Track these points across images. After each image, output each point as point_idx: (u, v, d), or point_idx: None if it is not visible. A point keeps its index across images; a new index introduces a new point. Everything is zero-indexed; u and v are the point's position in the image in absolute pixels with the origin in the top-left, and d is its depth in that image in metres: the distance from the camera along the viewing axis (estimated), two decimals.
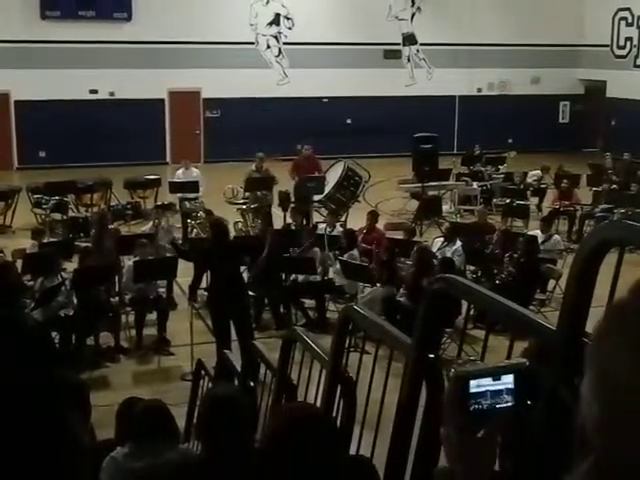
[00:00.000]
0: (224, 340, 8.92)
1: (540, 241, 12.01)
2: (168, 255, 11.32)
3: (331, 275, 11.45)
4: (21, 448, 1.04)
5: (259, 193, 14.93)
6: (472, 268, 11.82)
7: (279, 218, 14.53)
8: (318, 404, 3.62)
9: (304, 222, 13.91)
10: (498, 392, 1.38)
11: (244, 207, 14.94)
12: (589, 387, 1.09)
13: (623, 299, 1.10)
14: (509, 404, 1.39)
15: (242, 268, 9.99)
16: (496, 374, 1.38)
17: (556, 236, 12.90)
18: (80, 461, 1.14)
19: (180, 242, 12.64)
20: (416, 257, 10.32)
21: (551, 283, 11.26)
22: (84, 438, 1.23)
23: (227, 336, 9.03)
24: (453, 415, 1.35)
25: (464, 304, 2.94)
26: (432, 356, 2.85)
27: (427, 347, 2.85)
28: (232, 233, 11.93)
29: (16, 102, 22.06)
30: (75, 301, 9.75)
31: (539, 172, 18.28)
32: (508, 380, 1.39)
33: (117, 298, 10.48)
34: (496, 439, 1.42)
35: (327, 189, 15.34)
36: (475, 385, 1.35)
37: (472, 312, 2.96)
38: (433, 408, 2.77)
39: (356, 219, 14.09)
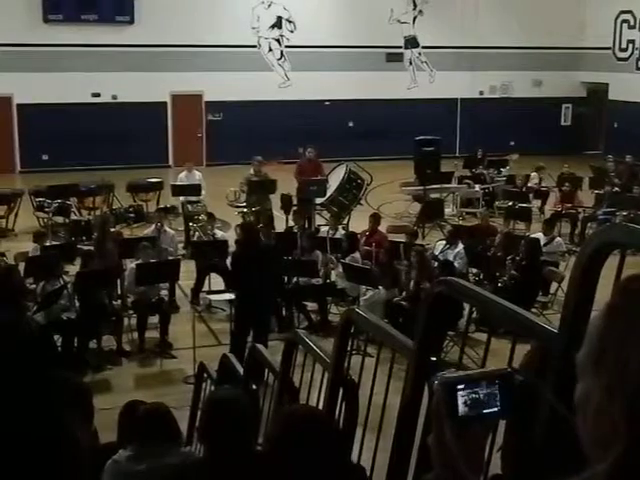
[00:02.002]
0: (240, 343, 8.92)
1: (542, 243, 12.02)
2: (170, 258, 11.33)
3: (333, 278, 11.45)
4: (20, 448, 1.04)
5: (254, 198, 14.91)
6: (474, 271, 11.82)
7: (281, 221, 14.53)
8: (320, 407, 3.62)
9: (306, 225, 13.92)
10: (484, 397, 1.40)
11: (245, 210, 14.95)
12: (602, 392, 1.09)
13: (613, 299, 1.11)
14: (495, 409, 1.41)
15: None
16: (481, 380, 1.40)
17: (558, 238, 12.90)
18: (78, 461, 1.15)
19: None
20: (416, 260, 10.33)
21: (553, 286, 11.25)
22: (82, 438, 1.23)
23: (244, 340, 9.04)
24: (442, 422, 1.36)
25: (466, 307, 2.95)
26: (434, 359, 2.84)
27: (429, 350, 2.85)
28: (234, 236, 11.93)
29: (19, 105, 22.10)
30: (77, 304, 9.75)
31: (535, 174, 18.13)
32: (493, 386, 1.41)
33: (119, 301, 10.50)
34: (484, 444, 1.44)
35: (329, 192, 15.34)
36: (461, 391, 1.37)
37: (474, 315, 2.96)
38: None
39: (358, 222, 14.08)
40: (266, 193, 15.10)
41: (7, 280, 9.43)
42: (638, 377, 1.05)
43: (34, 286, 10.09)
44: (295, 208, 14.40)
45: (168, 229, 12.94)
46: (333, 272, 11.47)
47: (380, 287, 10.68)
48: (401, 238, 12.61)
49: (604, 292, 2.11)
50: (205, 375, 6.95)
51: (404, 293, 10.41)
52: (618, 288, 1.15)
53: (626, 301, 1.11)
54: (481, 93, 26.31)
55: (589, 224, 15.28)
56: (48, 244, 12.21)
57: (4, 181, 18.94)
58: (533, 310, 9.81)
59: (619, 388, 1.06)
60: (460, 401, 1.37)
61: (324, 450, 2.23)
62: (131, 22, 22.59)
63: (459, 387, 1.38)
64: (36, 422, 1.06)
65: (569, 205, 16.06)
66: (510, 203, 16.40)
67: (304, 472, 2.20)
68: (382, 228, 13.17)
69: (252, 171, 15.65)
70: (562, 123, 27.39)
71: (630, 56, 25.20)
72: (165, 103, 23.37)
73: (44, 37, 21.72)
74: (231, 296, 9.87)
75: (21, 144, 22.45)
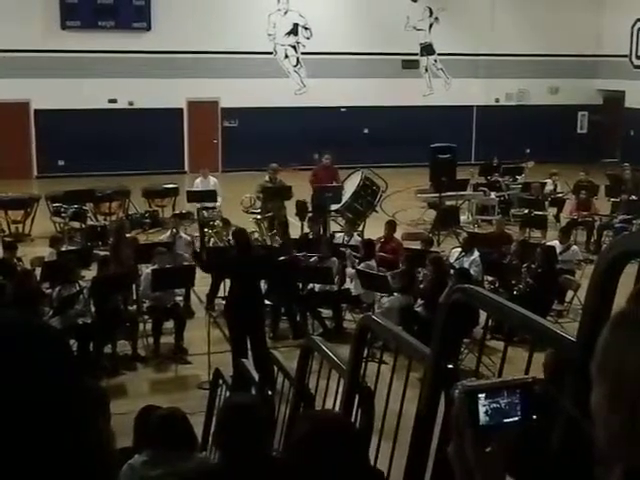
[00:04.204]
0: (240, 349, 8.93)
1: (558, 252, 11.96)
2: (186, 264, 11.36)
3: (348, 285, 11.44)
4: (52, 449, 1.05)
5: (269, 205, 14.93)
6: (490, 279, 11.78)
7: (296, 228, 14.54)
8: None
9: (321, 232, 13.92)
10: (505, 407, 1.40)
11: (259, 217, 14.97)
12: (605, 401, 1.07)
13: (624, 308, 1.10)
14: (516, 418, 1.40)
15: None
16: (502, 389, 1.40)
17: (574, 247, 12.83)
18: (108, 461, 1.15)
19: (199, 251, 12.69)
20: (432, 267, 10.30)
21: (569, 294, 11.20)
22: (113, 441, 1.24)
23: (244, 345, 9.04)
24: (463, 431, 1.35)
25: (482, 314, 2.94)
26: (451, 366, 2.84)
27: (446, 357, 2.85)
28: None
29: (36, 111, 22.24)
30: (93, 309, 9.79)
31: (549, 180, 18.12)
32: (514, 395, 1.41)
33: (135, 306, 10.52)
34: (504, 453, 1.43)
35: (344, 199, 15.34)
36: (483, 400, 1.37)
37: (490, 323, 2.96)
38: None
39: (373, 229, 14.07)
40: (281, 200, 15.11)
41: (23, 284, 9.49)
42: (636, 387, 1.02)
43: (50, 291, 10.13)
44: (310, 215, 14.40)
45: (183, 235, 12.98)
46: (348, 279, 11.46)
47: (395, 294, 10.66)
48: (416, 245, 12.60)
49: (623, 300, 2.10)
50: (220, 381, 6.96)
51: (419, 300, 10.39)
52: (630, 298, 1.14)
53: (633, 311, 1.10)
54: (497, 100, 26.26)
55: (605, 232, 15.20)
56: (64, 249, 12.27)
57: (21, 186, 19.04)
58: (548, 318, 9.76)
59: (618, 398, 1.04)
60: (481, 410, 1.37)
61: (350, 453, 2.23)
62: (148, 29, 22.69)
63: (480, 396, 1.38)
64: (68, 420, 1.07)
65: (585, 213, 15.99)
66: (526, 211, 16.36)
67: (330, 475, 2.20)
68: (397, 235, 13.16)
69: (267, 178, 15.68)
70: (578, 131, 27.28)
71: None
72: (181, 109, 23.46)
73: (61, 43, 21.86)
74: None
75: (38, 149, 22.58)
